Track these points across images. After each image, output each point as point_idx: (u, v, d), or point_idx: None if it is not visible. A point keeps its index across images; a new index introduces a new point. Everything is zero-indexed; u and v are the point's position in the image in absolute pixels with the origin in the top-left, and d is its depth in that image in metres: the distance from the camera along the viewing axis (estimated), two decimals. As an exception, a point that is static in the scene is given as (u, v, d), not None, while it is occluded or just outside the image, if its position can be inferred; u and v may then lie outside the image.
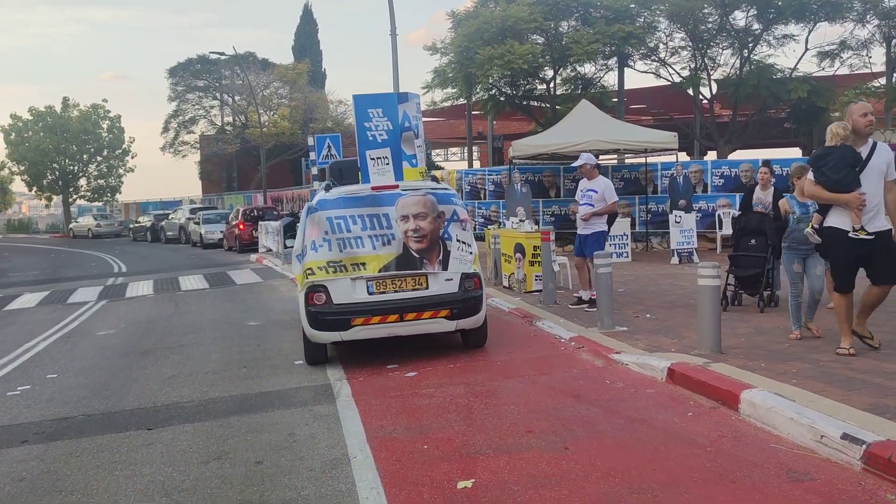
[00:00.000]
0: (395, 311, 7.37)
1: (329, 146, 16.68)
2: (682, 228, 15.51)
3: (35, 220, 69.67)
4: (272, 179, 39.87)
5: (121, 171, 53.06)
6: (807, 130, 22.35)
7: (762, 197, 9.37)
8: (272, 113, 42.02)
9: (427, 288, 7.51)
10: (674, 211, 15.75)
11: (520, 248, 11.71)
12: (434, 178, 8.29)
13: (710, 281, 6.67)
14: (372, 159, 7.94)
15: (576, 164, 10.18)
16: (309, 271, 7.47)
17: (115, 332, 11.17)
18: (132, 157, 53.13)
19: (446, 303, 7.48)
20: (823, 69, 19.43)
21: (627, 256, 15.88)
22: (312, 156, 17.23)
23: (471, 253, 7.73)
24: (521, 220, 12.19)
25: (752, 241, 8.93)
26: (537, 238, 11.33)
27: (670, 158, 19.26)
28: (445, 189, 7.96)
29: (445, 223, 7.65)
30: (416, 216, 7.54)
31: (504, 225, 15.84)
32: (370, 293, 7.44)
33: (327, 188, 8.02)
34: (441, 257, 7.55)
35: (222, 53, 35.99)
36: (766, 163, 9.58)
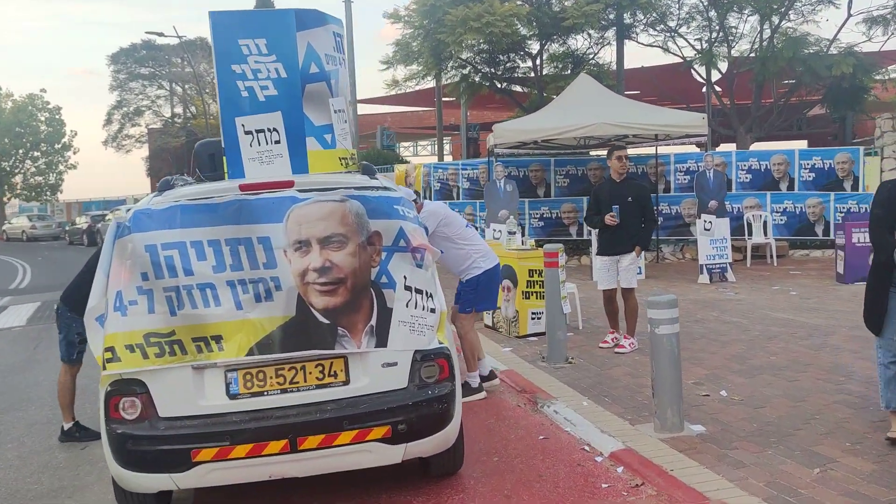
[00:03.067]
0: (281, 433, 3.68)
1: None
2: (714, 238, 11.97)
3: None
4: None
5: (61, 167, 48.52)
6: (840, 117, 18.88)
7: None
8: (223, 102, 37.89)
9: (346, 383, 3.83)
10: (702, 215, 12.20)
11: (510, 273, 8.07)
12: (369, 171, 4.59)
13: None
14: (248, 133, 4.25)
15: None
16: (109, 354, 3.75)
17: None
18: (74, 153, 48.68)
19: (385, 411, 3.81)
20: (871, 39, 15.98)
21: (640, 273, 12.26)
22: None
23: (433, 310, 4.04)
24: (510, 232, 8.50)
25: None
26: (536, 259, 7.71)
27: (686, 149, 15.75)
28: (386, 190, 4.23)
29: (384, 256, 3.98)
30: (325, 242, 3.85)
31: (483, 233, 12.24)
32: (232, 395, 3.75)
33: (161, 188, 4.26)
34: (374, 322, 3.87)
35: (161, 34, 31.82)
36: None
